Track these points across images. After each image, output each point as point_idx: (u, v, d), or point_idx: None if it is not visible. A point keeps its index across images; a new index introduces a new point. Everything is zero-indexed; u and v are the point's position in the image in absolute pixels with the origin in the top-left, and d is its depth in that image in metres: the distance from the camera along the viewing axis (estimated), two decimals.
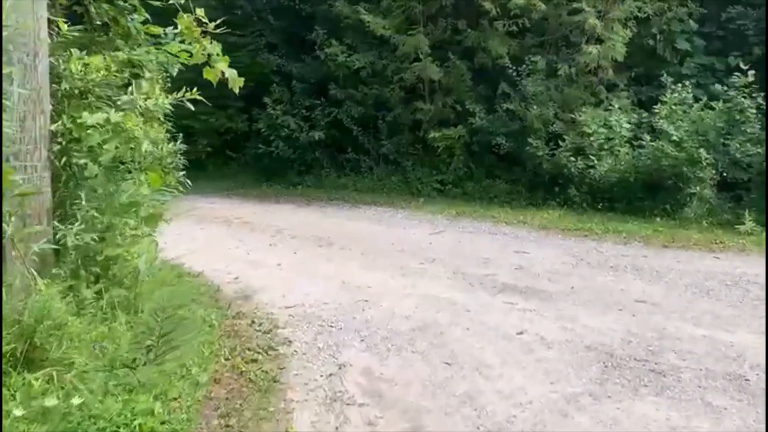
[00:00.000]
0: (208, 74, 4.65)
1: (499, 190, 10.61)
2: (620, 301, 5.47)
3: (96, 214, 3.64)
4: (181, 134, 5.25)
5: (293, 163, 13.15)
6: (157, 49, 4.68)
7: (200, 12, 4.41)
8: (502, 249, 7.43)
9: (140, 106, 3.90)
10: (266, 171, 13.55)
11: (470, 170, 11.25)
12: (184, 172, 4.68)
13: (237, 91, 4.80)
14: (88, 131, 3.69)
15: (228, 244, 7.90)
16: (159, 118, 4.90)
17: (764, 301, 5.37)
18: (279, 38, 14.19)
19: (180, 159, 4.93)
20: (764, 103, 8.66)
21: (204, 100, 4.22)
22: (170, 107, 4.88)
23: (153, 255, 3.75)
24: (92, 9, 4.27)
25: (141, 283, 3.88)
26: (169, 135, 4.99)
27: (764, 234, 7.67)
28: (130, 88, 3.97)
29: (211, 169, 14.96)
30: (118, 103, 3.83)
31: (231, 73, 4.66)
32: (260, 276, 6.45)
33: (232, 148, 14.78)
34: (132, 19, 4.71)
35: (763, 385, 3.77)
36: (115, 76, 3.98)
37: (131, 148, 3.77)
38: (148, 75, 4.91)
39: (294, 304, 5.51)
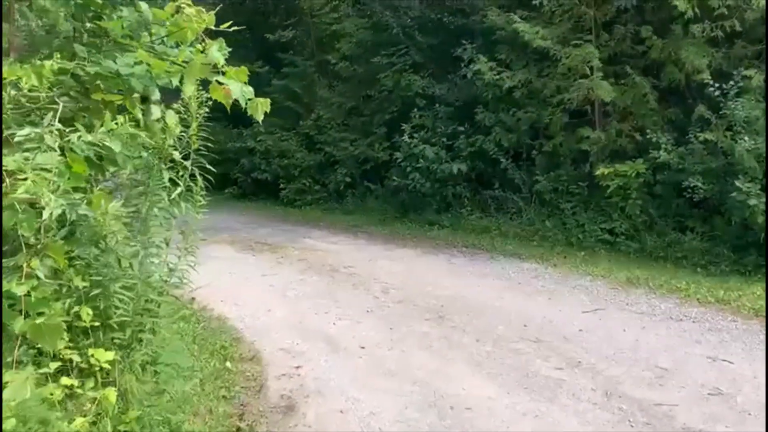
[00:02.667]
0: (215, 92, 3.10)
1: (690, 249, 7.85)
2: None
3: None
4: (200, 179, 3.79)
5: (431, 199, 11.36)
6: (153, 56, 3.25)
7: None
8: (689, 351, 4.95)
9: (54, 145, 2.39)
10: (402, 206, 11.92)
11: (651, 219, 8.58)
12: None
13: (260, 118, 3.21)
14: None
15: (318, 306, 6.33)
16: (164, 160, 3.48)
17: None
18: (425, 57, 12.60)
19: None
20: None
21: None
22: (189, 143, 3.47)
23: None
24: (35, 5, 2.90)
25: None
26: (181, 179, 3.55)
27: None
28: (47, 117, 2.49)
29: (349, 201, 13.78)
30: (16, 140, 2.35)
31: (245, 92, 3.06)
32: (329, 368, 4.75)
33: (371, 179, 13.43)
34: (119, 17, 3.30)
35: None
36: (34, 95, 2.52)
37: (22, 215, 2.26)
38: (155, 97, 3.53)
39: None
